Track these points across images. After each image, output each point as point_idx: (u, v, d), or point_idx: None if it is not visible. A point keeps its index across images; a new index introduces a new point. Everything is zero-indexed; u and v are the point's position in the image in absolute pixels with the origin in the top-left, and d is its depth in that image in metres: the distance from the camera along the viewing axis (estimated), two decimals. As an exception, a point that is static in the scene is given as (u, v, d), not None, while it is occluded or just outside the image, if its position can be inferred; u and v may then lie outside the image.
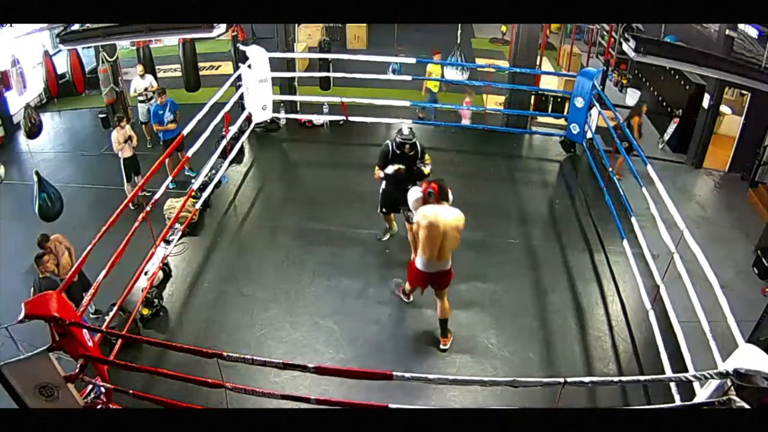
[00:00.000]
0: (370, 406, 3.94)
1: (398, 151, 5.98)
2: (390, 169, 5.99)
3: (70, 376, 4.08)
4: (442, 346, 5.36)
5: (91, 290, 4.98)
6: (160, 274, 6.14)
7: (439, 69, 10.28)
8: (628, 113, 9.25)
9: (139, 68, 9.25)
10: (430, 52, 10.30)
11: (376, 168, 6.12)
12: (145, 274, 5.88)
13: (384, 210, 6.47)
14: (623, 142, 8.04)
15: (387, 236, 6.78)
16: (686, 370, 4.56)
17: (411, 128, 6.13)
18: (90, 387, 4.44)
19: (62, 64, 10.22)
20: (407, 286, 5.66)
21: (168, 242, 6.52)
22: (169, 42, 12.16)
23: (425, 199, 5.04)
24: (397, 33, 11.89)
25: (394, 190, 6.13)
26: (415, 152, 6.04)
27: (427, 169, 6.04)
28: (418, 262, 5.10)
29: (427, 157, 6.16)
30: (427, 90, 10.40)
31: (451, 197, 5.17)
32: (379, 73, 9.91)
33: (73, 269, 5.06)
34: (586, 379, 4.31)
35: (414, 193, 5.37)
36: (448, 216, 4.90)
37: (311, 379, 4.71)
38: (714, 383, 3.64)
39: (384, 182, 6.22)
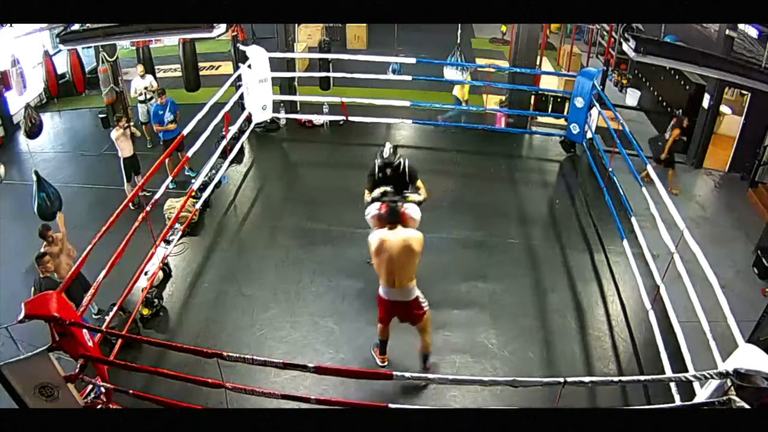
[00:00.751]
0: (370, 406, 3.94)
1: (381, 175, 5.59)
2: (377, 192, 5.49)
3: (70, 376, 4.08)
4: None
5: (91, 290, 4.98)
6: (160, 274, 6.14)
7: (467, 87, 10.08)
8: (669, 125, 9.10)
9: (140, 68, 9.25)
10: (430, 52, 10.30)
11: (365, 191, 5.63)
12: (145, 274, 5.88)
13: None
14: (666, 155, 8.26)
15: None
16: (686, 370, 4.55)
17: (393, 147, 5.70)
18: (90, 387, 4.44)
19: (62, 64, 10.21)
20: (378, 334, 5.09)
21: (168, 242, 6.53)
22: (169, 42, 12.15)
23: (380, 219, 4.76)
24: (397, 33, 11.88)
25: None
26: (404, 174, 5.56)
27: (414, 197, 5.47)
28: (380, 289, 4.78)
29: (420, 183, 5.69)
30: (455, 99, 10.22)
31: (416, 216, 4.98)
32: (379, 73, 9.90)
33: (72, 269, 5.06)
34: (586, 379, 4.32)
35: (370, 210, 5.15)
36: (396, 239, 4.54)
37: (311, 379, 4.72)
38: (714, 383, 3.64)
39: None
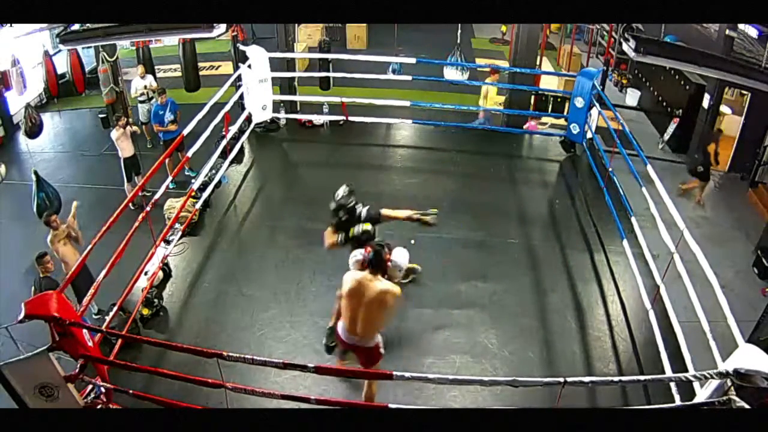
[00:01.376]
0: (370, 406, 3.94)
1: (340, 217, 5.21)
2: (358, 229, 5.18)
3: (70, 376, 4.08)
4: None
5: (91, 290, 4.98)
6: (160, 274, 6.14)
7: (495, 90, 9.85)
8: (706, 139, 8.99)
9: (140, 69, 9.25)
10: (430, 52, 10.30)
11: (329, 230, 5.29)
12: (145, 274, 5.87)
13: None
14: (700, 168, 8.33)
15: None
16: (686, 370, 4.55)
17: (349, 190, 5.31)
18: (90, 387, 4.43)
19: (62, 64, 10.22)
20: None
21: (168, 242, 6.52)
22: (169, 42, 12.15)
23: (363, 264, 4.52)
24: (397, 33, 11.88)
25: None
26: (358, 220, 5.20)
27: (362, 228, 5.19)
28: (339, 326, 4.53)
29: (390, 212, 5.46)
30: (484, 111, 9.93)
31: (402, 263, 4.78)
32: (379, 73, 9.91)
33: (75, 266, 5.07)
34: (586, 379, 4.31)
35: (355, 254, 4.88)
36: (372, 288, 4.27)
37: (311, 379, 4.71)
38: (714, 383, 3.63)
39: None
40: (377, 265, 4.35)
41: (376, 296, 4.26)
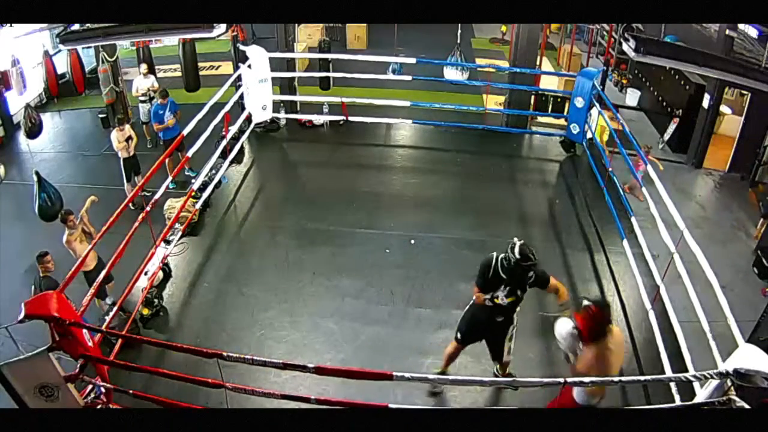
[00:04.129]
0: (370, 406, 3.94)
1: (508, 269, 4.35)
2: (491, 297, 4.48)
3: (70, 376, 4.08)
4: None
5: (92, 290, 4.98)
6: (160, 274, 6.14)
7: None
8: None
9: (143, 68, 9.21)
10: (430, 52, 10.27)
11: (475, 288, 4.53)
12: (145, 274, 5.87)
13: (460, 337, 4.82)
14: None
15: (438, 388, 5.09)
16: (686, 370, 4.56)
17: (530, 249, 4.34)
18: (90, 387, 4.44)
19: (62, 64, 10.20)
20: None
21: (168, 242, 6.52)
22: (169, 42, 12.13)
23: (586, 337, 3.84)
24: (397, 33, 11.87)
25: (485, 313, 4.63)
26: (532, 276, 4.46)
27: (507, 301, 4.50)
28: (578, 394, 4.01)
29: (553, 281, 4.63)
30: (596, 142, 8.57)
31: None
32: (379, 73, 9.90)
33: (77, 263, 5.07)
34: (586, 379, 4.30)
35: (564, 326, 4.08)
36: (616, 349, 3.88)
37: (311, 379, 4.71)
38: (714, 383, 3.64)
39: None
40: (603, 328, 3.77)
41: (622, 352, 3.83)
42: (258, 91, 8.91)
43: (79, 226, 5.83)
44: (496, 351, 4.84)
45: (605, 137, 8.50)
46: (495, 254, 4.47)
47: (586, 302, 3.82)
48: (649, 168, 6.36)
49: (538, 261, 4.32)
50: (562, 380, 3.53)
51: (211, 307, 5.91)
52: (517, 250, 4.26)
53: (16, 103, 10.04)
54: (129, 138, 7.72)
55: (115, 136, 7.59)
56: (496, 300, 4.47)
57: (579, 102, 8.55)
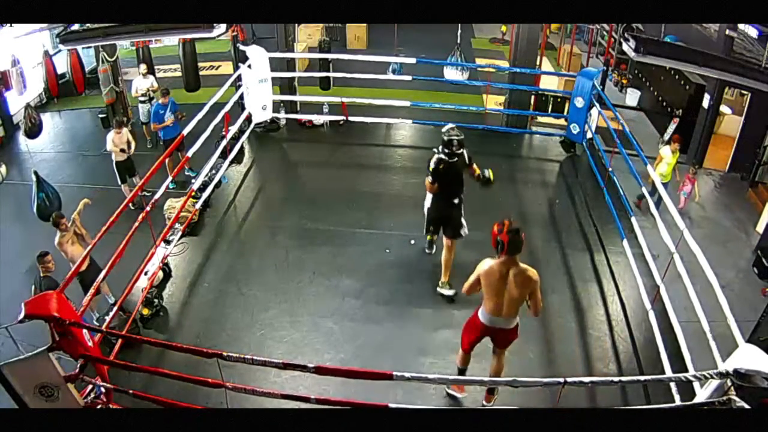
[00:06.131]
0: (370, 406, 3.94)
1: (444, 156, 5.48)
2: (429, 180, 5.55)
3: (70, 376, 4.08)
4: (485, 403, 4.92)
5: (92, 290, 4.99)
6: (160, 274, 6.14)
7: (675, 159, 7.95)
8: None
9: (143, 68, 9.21)
10: (430, 52, 10.25)
11: (428, 181, 5.62)
12: (145, 274, 5.87)
13: (432, 228, 5.96)
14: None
15: (434, 248, 6.32)
16: (686, 370, 4.56)
17: (455, 127, 5.64)
18: (90, 387, 4.44)
19: (62, 64, 10.20)
20: (458, 364, 4.91)
21: (168, 242, 6.53)
22: (169, 42, 12.13)
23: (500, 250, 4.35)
24: (397, 33, 11.87)
25: (443, 205, 5.71)
26: (462, 155, 5.56)
27: (487, 172, 5.67)
28: (480, 314, 4.56)
29: (474, 166, 5.72)
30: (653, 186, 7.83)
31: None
32: (379, 73, 9.91)
33: (77, 263, 5.07)
34: (586, 379, 4.32)
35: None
36: (514, 272, 4.34)
37: (311, 379, 4.71)
38: (714, 383, 3.64)
39: (430, 197, 5.79)
40: (515, 249, 4.29)
41: (520, 281, 4.32)
42: (258, 91, 8.91)
43: (71, 229, 5.84)
44: (455, 229, 5.81)
45: (661, 168, 7.87)
46: (435, 150, 5.60)
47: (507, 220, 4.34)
48: (649, 168, 6.35)
49: (462, 138, 5.48)
50: (562, 380, 3.53)
51: (211, 307, 5.91)
52: (446, 138, 5.47)
53: (16, 103, 10.05)
54: (128, 143, 7.66)
55: (111, 138, 7.54)
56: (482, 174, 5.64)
57: (579, 102, 8.56)
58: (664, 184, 6.99)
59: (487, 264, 4.41)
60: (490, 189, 5.91)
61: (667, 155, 7.86)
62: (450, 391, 5.01)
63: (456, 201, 5.73)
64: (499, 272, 4.34)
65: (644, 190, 6.78)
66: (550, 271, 6.43)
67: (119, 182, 7.83)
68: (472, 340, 4.71)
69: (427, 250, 6.37)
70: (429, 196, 5.82)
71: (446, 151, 5.50)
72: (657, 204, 6.48)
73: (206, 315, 5.83)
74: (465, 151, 5.59)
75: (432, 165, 5.53)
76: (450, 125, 5.65)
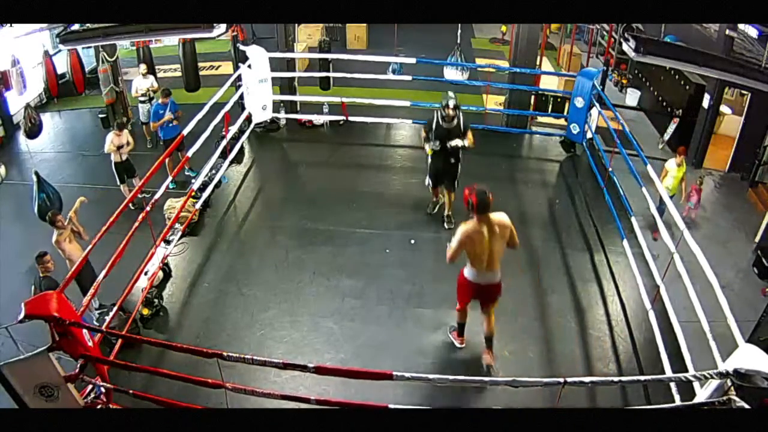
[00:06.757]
0: (370, 406, 3.94)
1: (442, 122, 6.38)
2: (429, 146, 6.50)
3: (70, 376, 4.08)
4: (484, 361, 5.24)
5: (92, 290, 4.98)
6: (160, 274, 6.14)
7: (682, 172, 7.67)
8: None
9: (142, 68, 9.20)
10: (430, 52, 10.23)
11: (423, 134, 6.67)
12: (145, 274, 5.88)
13: (429, 182, 7.01)
14: None
15: (435, 208, 7.28)
16: (686, 370, 4.56)
17: (454, 97, 6.42)
18: (90, 387, 4.44)
19: (62, 64, 10.20)
20: (457, 319, 5.36)
21: (168, 242, 6.53)
22: (169, 42, 12.13)
23: (471, 210, 4.80)
24: (397, 33, 11.87)
25: (440, 161, 6.66)
26: (458, 122, 6.38)
27: (457, 142, 6.42)
28: (467, 272, 4.97)
29: (469, 134, 6.51)
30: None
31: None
32: (379, 73, 9.91)
33: (83, 254, 5.07)
34: (586, 379, 4.31)
35: None
36: (490, 227, 4.76)
37: (311, 379, 4.71)
38: (714, 383, 3.64)
39: (430, 156, 6.73)
40: (484, 208, 4.72)
41: (497, 231, 4.76)
42: (258, 91, 8.91)
43: (68, 227, 5.86)
44: (451, 182, 6.78)
45: (667, 182, 7.60)
46: (435, 112, 6.48)
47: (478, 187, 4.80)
48: (649, 168, 6.34)
49: (460, 109, 6.37)
50: (562, 380, 3.53)
51: (211, 307, 5.91)
52: (444, 103, 6.31)
53: (16, 103, 10.05)
54: (126, 144, 7.67)
55: (110, 139, 7.55)
56: (448, 146, 6.40)
57: (579, 102, 8.55)
58: (671, 197, 6.80)
59: (464, 228, 4.78)
60: (490, 190, 5.91)
61: (672, 168, 7.66)
62: (450, 338, 5.48)
63: (452, 160, 6.61)
64: (478, 231, 4.73)
65: (653, 210, 6.30)
66: (550, 271, 6.43)
67: (118, 182, 7.83)
68: (467, 301, 5.15)
69: (428, 211, 7.32)
70: (429, 155, 6.75)
71: (442, 114, 6.36)
72: (661, 214, 6.33)
73: (206, 315, 5.83)
74: (461, 117, 6.42)
75: (428, 147, 6.54)
76: (450, 94, 6.45)
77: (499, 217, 4.81)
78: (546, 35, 12.16)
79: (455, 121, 6.38)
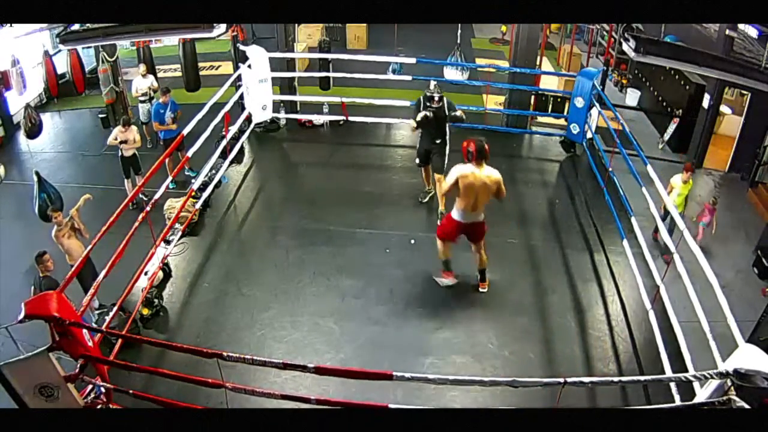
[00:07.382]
0: (370, 406, 3.94)
1: (428, 104, 6.84)
2: (419, 115, 6.81)
3: (70, 376, 4.08)
4: (480, 289, 6.03)
5: (92, 290, 4.98)
6: (160, 274, 6.14)
7: (688, 190, 7.46)
8: None
9: (142, 68, 9.22)
10: (430, 52, 10.20)
11: (412, 120, 7.00)
12: (145, 274, 5.88)
13: (418, 161, 7.37)
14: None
15: (427, 198, 7.54)
16: (686, 370, 4.55)
17: (437, 85, 7.08)
18: (90, 387, 4.44)
19: (62, 64, 10.20)
20: (441, 256, 5.95)
21: (168, 242, 6.53)
22: (169, 42, 12.14)
23: (469, 157, 5.49)
24: (397, 33, 11.87)
25: (427, 141, 7.07)
26: (442, 105, 6.85)
27: (459, 113, 6.91)
28: (455, 213, 5.65)
29: (459, 112, 6.97)
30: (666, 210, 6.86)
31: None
32: (379, 73, 9.91)
33: (84, 253, 5.07)
34: (586, 379, 4.31)
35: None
36: (481, 175, 5.46)
37: (311, 379, 4.71)
38: (714, 383, 3.63)
39: (420, 136, 7.18)
40: (481, 155, 5.46)
41: (487, 180, 5.48)
42: (258, 91, 8.91)
43: (68, 223, 5.88)
44: (439, 165, 7.03)
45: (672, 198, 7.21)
46: (420, 97, 7.06)
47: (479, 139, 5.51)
48: (649, 168, 6.33)
49: (442, 95, 6.86)
50: (562, 380, 3.53)
51: (211, 307, 5.91)
52: (429, 95, 6.89)
53: (16, 103, 10.05)
54: (133, 140, 7.73)
55: (115, 133, 7.63)
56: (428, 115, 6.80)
57: (579, 102, 8.56)
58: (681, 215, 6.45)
59: (461, 167, 5.48)
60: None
61: (678, 185, 7.38)
62: (441, 283, 6.01)
63: (438, 141, 6.99)
64: (472, 174, 5.42)
65: (659, 224, 6.22)
66: (550, 271, 6.43)
67: (123, 176, 7.88)
68: (451, 239, 5.83)
69: (420, 199, 7.60)
70: (418, 137, 7.28)
71: (428, 104, 6.83)
72: (670, 232, 6.23)
73: (206, 315, 5.83)
74: (445, 101, 6.87)
75: (418, 117, 6.86)
76: (433, 83, 7.16)
77: (491, 170, 5.50)
78: (546, 35, 12.16)
79: (441, 103, 6.88)
